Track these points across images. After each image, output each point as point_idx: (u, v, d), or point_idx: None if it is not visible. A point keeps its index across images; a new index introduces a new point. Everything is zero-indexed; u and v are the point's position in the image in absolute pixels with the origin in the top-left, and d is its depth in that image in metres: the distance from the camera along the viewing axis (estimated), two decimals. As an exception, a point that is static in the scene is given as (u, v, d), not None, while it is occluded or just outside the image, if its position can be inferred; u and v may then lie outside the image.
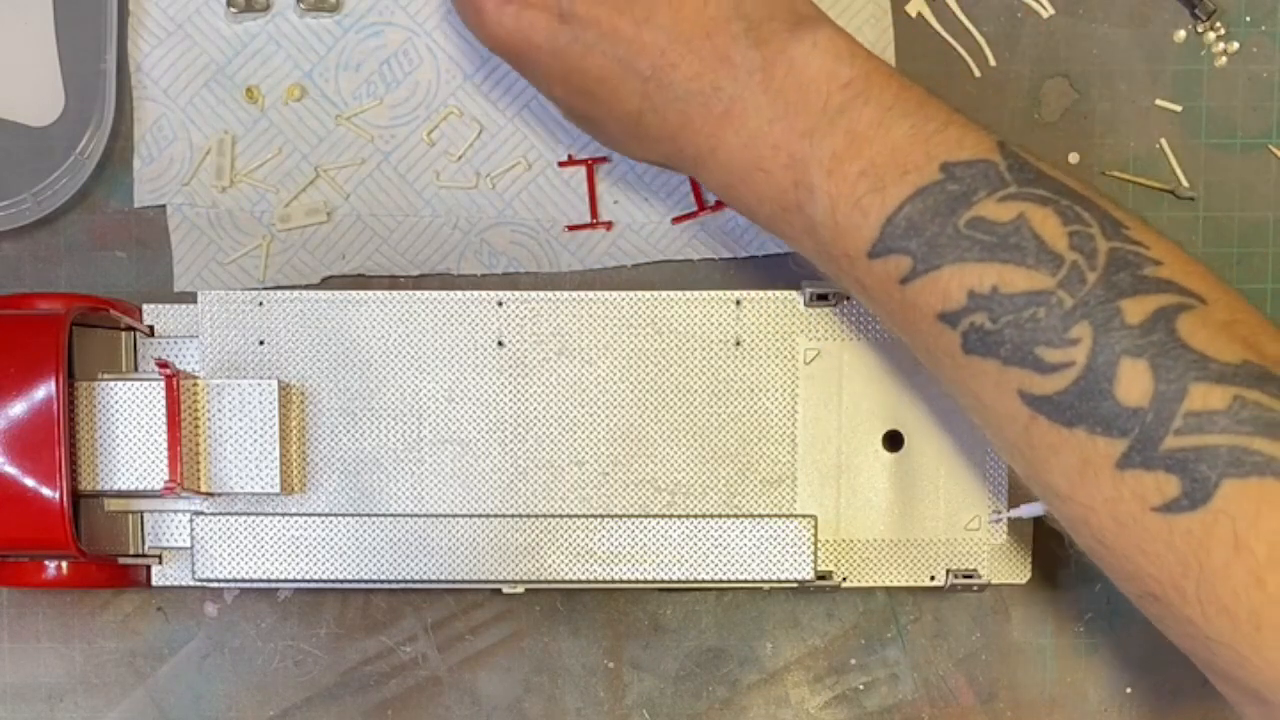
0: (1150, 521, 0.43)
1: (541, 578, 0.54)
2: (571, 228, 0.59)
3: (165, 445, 0.53)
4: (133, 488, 0.54)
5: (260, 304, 0.55)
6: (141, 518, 0.56)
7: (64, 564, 0.54)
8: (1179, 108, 0.58)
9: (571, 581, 0.55)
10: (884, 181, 0.46)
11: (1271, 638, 0.42)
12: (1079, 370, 0.44)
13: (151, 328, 0.56)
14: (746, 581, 0.54)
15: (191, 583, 0.56)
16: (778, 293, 0.55)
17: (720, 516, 0.55)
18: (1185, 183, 0.59)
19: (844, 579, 0.56)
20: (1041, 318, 0.44)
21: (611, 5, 0.49)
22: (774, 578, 0.54)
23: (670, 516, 0.55)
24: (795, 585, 0.55)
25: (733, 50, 0.48)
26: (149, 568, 0.56)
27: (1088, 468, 0.44)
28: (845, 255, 0.47)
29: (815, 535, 0.54)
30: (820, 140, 0.47)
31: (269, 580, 0.55)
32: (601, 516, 0.55)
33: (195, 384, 0.54)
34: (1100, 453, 0.44)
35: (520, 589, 0.55)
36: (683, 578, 0.54)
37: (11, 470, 0.51)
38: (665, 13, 0.49)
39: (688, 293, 0.55)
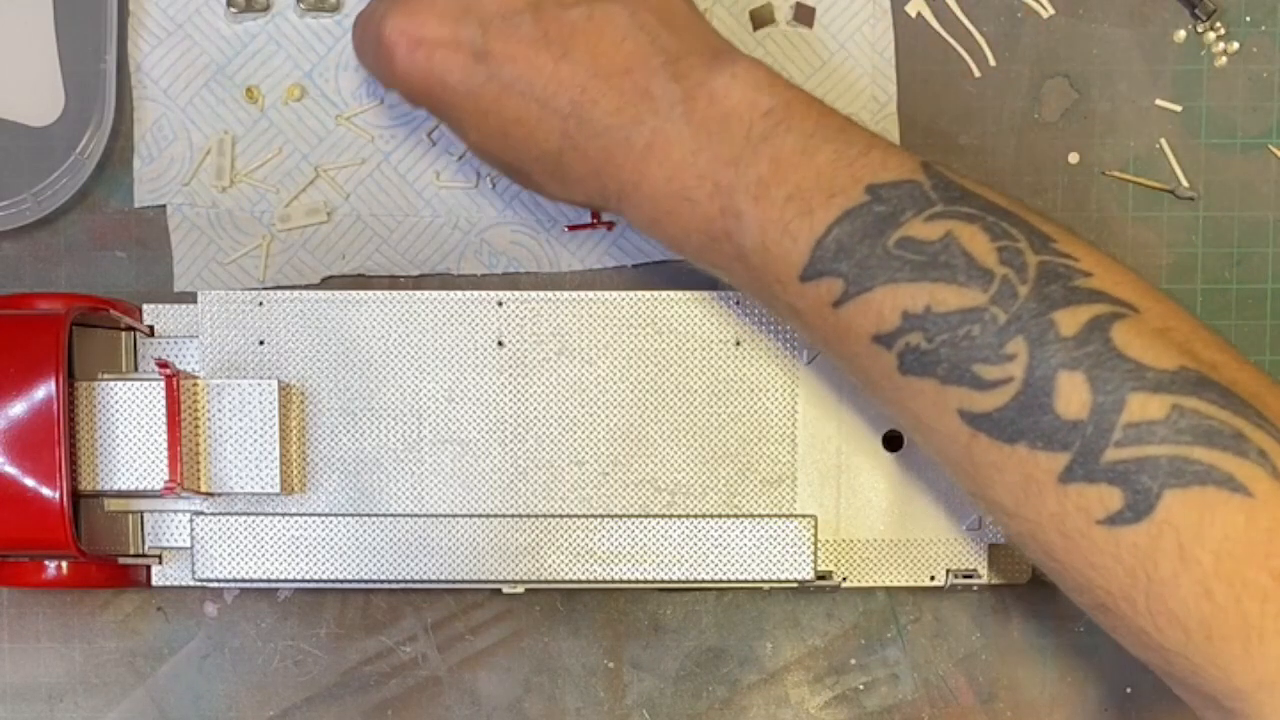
0: (1096, 535, 0.43)
1: (541, 578, 0.54)
2: (571, 228, 0.59)
3: (165, 445, 0.53)
4: (133, 488, 0.54)
5: (260, 304, 0.55)
6: (141, 518, 0.56)
7: (64, 564, 0.54)
8: (1179, 108, 0.58)
9: (571, 581, 0.55)
10: (811, 205, 0.46)
11: (1223, 647, 0.42)
12: (1017, 386, 0.44)
13: (151, 328, 0.56)
14: (746, 581, 0.54)
15: (191, 583, 0.56)
16: (778, 293, 0.55)
17: (720, 516, 0.55)
18: (1185, 183, 0.59)
19: (844, 579, 0.56)
20: (976, 335, 0.44)
21: (528, 42, 0.49)
22: (774, 578, 0.54)
23: (670, 516, 0.55)
24: (795, 585, 0.55)
25: (653, 85, 0.48)
26: (149, 568, 0.56)
27: (1031, 484, 0.44)
28: (777, 280, 0.47)
29: (815, 535, 0.54)
30: (745, 168, 0.47)
31: (269, 580, 0.55)
32: (601, 516, 0.55)
33: (195, 384, 0.54)
34: (1042, 468, 0.44)
35: (520, 589, 0.55)
36: (683, 578, 0.54)
37: (11, 470, 0.51)
38: (582, 49, 0.48)
39: (688, 293, 0.55)
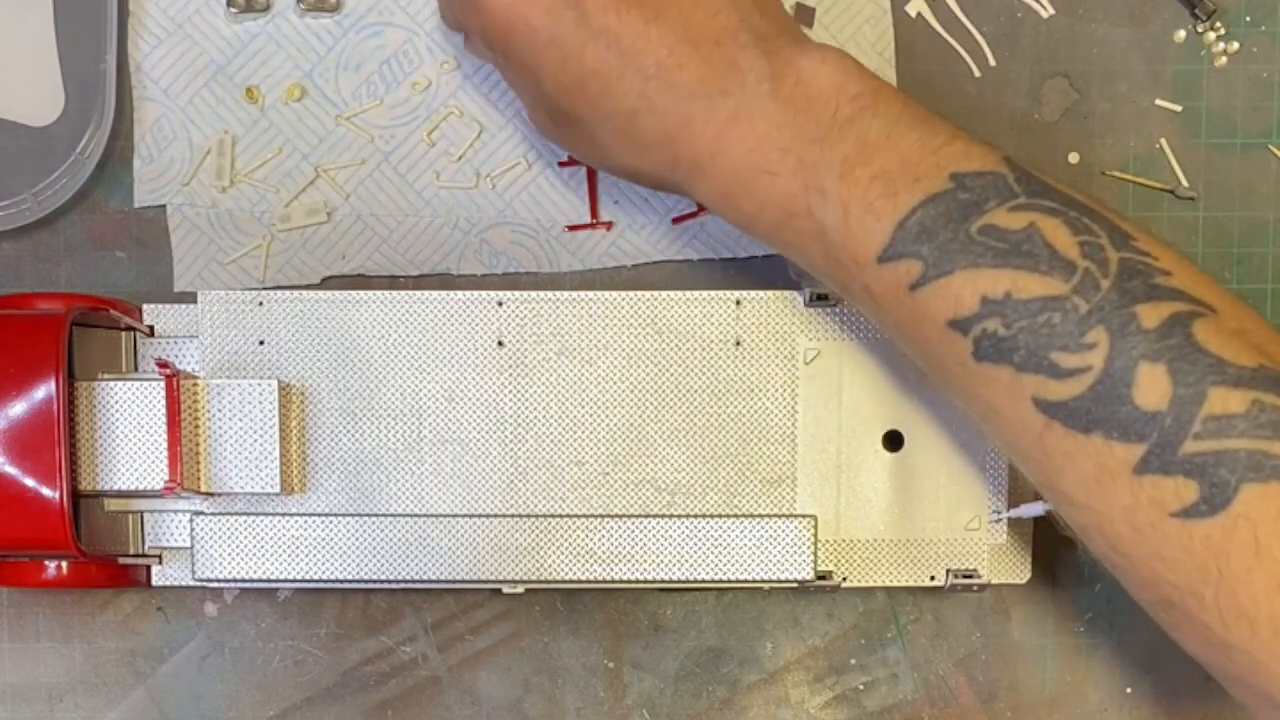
0: (1169, 528, 0.43)
1: (541, 578, 0.54)
2: (571, 228, 0.59)
3: (165, 445, 0.53)
4: (133, 488, 0.54)
5: (260, 304, 0.55)
6: (141, 518, 0.56)
7: (64, 564, 0.54)
8: (1179, 108, 0.58)
9: (571, 581, 0.55)
10: (895, 187, 0.46)
11: None
12: (1096, 375, 0.44)
13: (151, 328, 0.56)
14: (746, 581, 0.54)
15: (191, 583, 0.56)
16: (778, 293, 0.55)
17: (720, 516, 0.55)
18: (1185, 183, 0.59)
19: (844, 579, 0.56)
20: (1056, 323, 0.44)
21: (619, 1, 0.48)
22: (774, 578, 0.54)
23: (670, 516, 0.55)
24: (795, 585, 0.55)
25: (741, 58, 0.48)
26: (149, 568, 0.56)
27: (1104, 474, 0.44)
28: (854, 260, 0.47)
29: (815, 535, 0.54)
30: (831, 146, 0.47)
31: (269, 580, 0.55)
32: (601, 516, 0.55)
33: (195, 384, 0.54)
34: (1117, 458, 0.44)
35: (520, 589, 0.55)
36: (683, 578, 0.54)
37: (11, 470, 0.51)
38: (675, 14, 0.48)
39: (688, 293, 0.55)
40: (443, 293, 0.55)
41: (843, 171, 0.47)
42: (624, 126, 0.50)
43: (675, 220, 0.59)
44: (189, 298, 0.56)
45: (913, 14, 0.58)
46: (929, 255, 0.45)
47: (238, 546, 0.54)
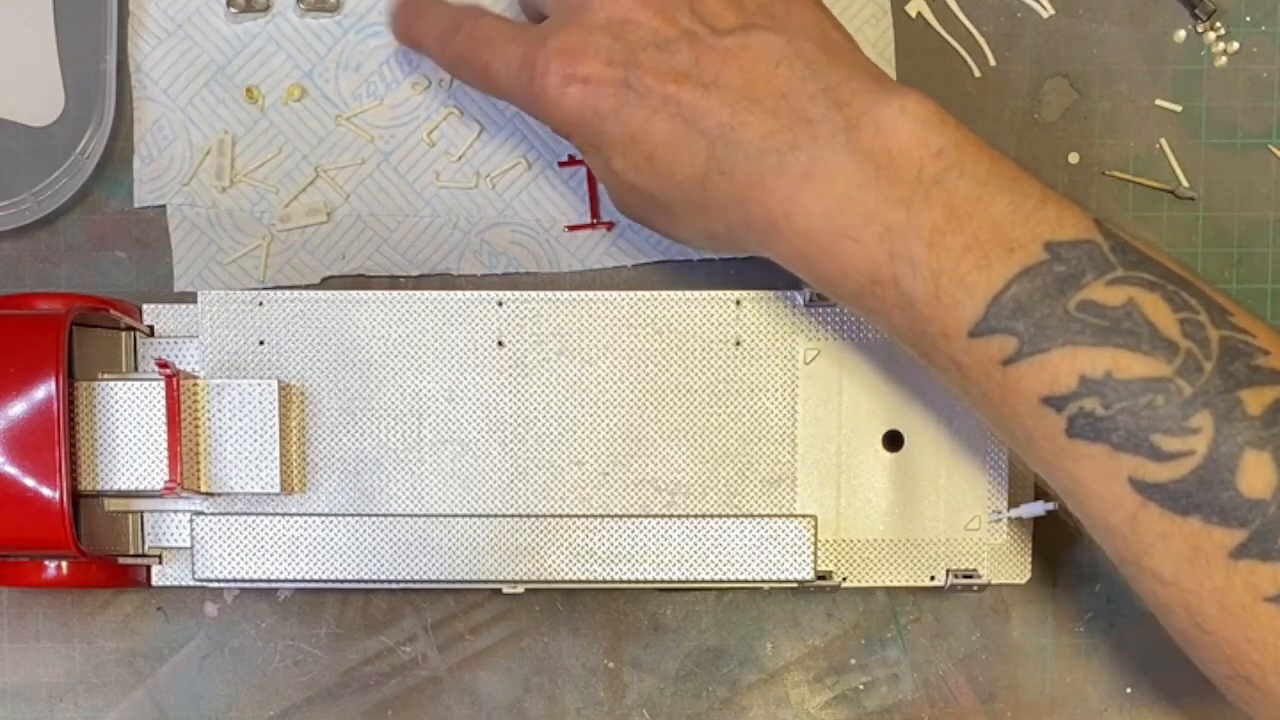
0: (1260, 610, 0.43)
1: (541, 578, 0.54)
2: (571, 228, 0.59)
3: (165, 445, 0.53)
4: (133, 488, 0.54)
5: (260, 304, 0.55)
6: (141, 518, 0.56)
7: (64, 564, 0.54)
8: (1179, 108, 0.58)
9: (571, 581, 0.55)
10: (989, 258, 0.44)
11: None
12: (1199, 460, 0.43)
13: (151, 328, 0.56)
14: (746, 581, 0.54)
15: (191, 583, 0.56)
16: (778, 293, 0.55)
17: (720, 516, 0.55)
18: (1185, 183, 0.59)
19: (844, 579, 0.56)
20: (1159, 405, 0.43)
21: (680, 67, 0.47)
22: (774, 578, 0.54)
23: (670, 516, 0.55)
24: (795, 585, 0.55)
25: (811, 110, 0.46)
26: (149, 568, 0.56)
27: (1198, 555, 0.44)
28: (943, 333, 0.46)
29: (815, 535, 0.54)
30: (918, 211, 0.45)
31: (269, 580, 0.55)
32: (601, 516, 0.55)
33: (195, 384, 0.54)
34: (1215, 542, 0.43)
35: (520, 589, 0.55)
36: (683, 578, 0.54)
37: (11, 470, 0.51)
38: (735, 73, 0.47)
39: (688, 293, 0.55)
40: (443, 293, 0.55)
41: (932, 240, 0.45)
42: (695, 193, 0.49)
43: (675, 220, 0.59)
44: (189, 298, 0.56)
45: (913, 14, 0.58)
46: (1024, 331, 0.44)
47: (238, 546, 0.54)
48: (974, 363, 0.46)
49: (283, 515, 0.54)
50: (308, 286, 0.58)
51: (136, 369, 0.56)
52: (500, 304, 0.55)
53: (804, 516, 0.55)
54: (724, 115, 0.47)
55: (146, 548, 0.56)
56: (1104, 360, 0.44)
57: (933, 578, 0.56)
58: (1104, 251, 0.45)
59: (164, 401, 0.53)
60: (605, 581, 0.55)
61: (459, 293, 0.55)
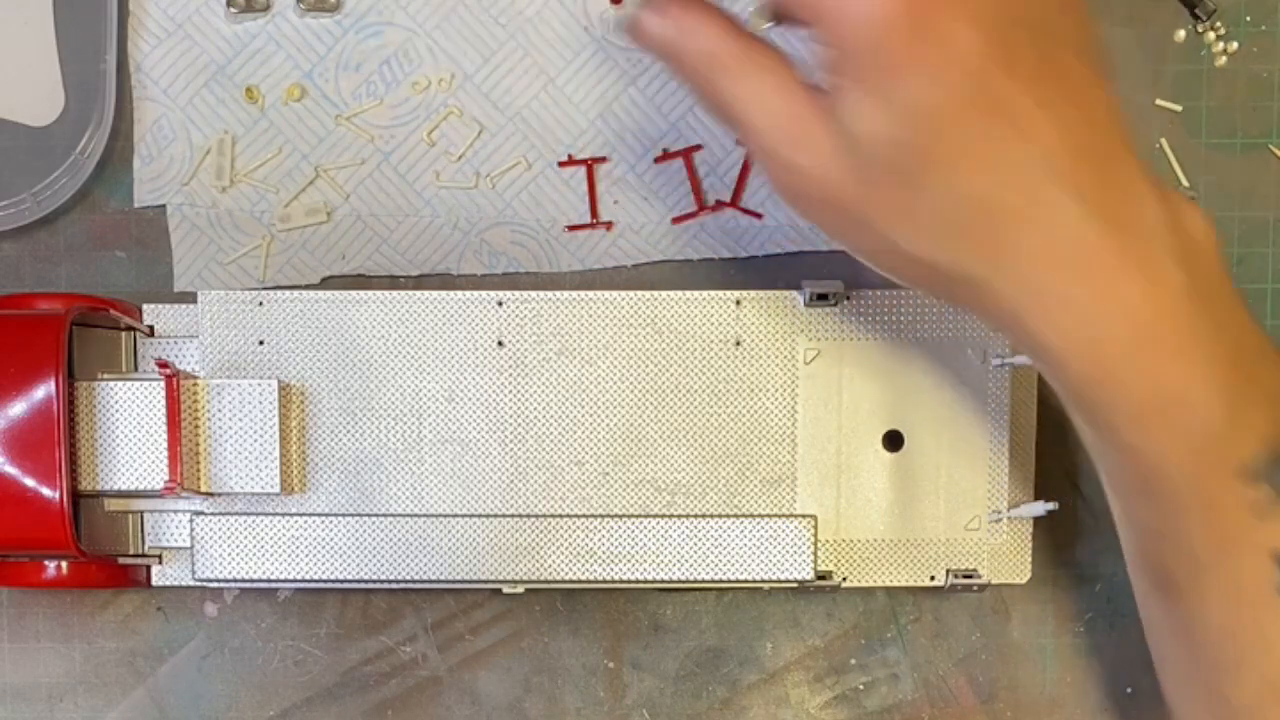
0: None
1: (541, 578, 0.54)
2: (571, 228, 0.59)
3: (165, 445, 0.53)
4: (133, 488, 0.54)
5: (260, 304, 0.55)
6: (141, 518, 0.56)
7: (64, 564, 0.54)
8: (1179, 108, 0.58)
9: (571, 581, 0.55)
10: (1274, 403, 0.43)
11: None
12: None
13: (151, 328, 0.56)
14: (746, 581, 0.54)
15: (191, 583, 0.56)
16: (778, 293, 0.55)
17: (720, 516, 0.55)
18: (1185, 183, 0.59)
19: (844, 579, 0.56)
20: None
21: None
22: (774, 578, 0.54)
23: (670, 516, 0.55)
24: (795, 585, 0.55)
25: (1137, 186, 0.43)
26: (149, 568, 0.56)
27: None
28: (1212, 466, 0.43)
29: (815, 535, 0.54)
30: (1224, 332, 0.43)
31: (269, 580, 0.55)
32: (601, 516, 0.55)
33: (195, 384, 0.54)
34: None
35: (520, 589, 0.55)
36: (683, 578, 0.54)
37: (11, 470, 0.51)
38: (1063, 102, 0.43)
39: (688, 293, 0.55)
40: (443, 293, 0.55)
41: (1234, 366, 0.42)
42: (960, 297, 0.44)
43: (675, 220, 0.59)
44: (189, 298, 0.56)
45: (913, 14, 0.58)
46: None
47: (238, 546, 0.54)
48: (1227, 503, 0.44)
49: (283, 515, 0.54)
50: (308, 286, 0.58)
51: (136, 369, 0.56)
52: (500, 304, 0.55)
53: (804, 516, 0.55)
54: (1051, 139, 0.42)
55: (146, 548, 0.56)
56: None
57: (933, 578, 0.56)
58: None
59: (164, 401, 0.53)
60: (605, 581, 0.55)
61: (459, 293, 0.55)
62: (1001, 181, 0.41)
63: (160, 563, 0.56)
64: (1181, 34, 0.58)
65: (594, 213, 0.58)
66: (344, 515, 0.55)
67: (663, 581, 0.55)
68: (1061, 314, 0.42)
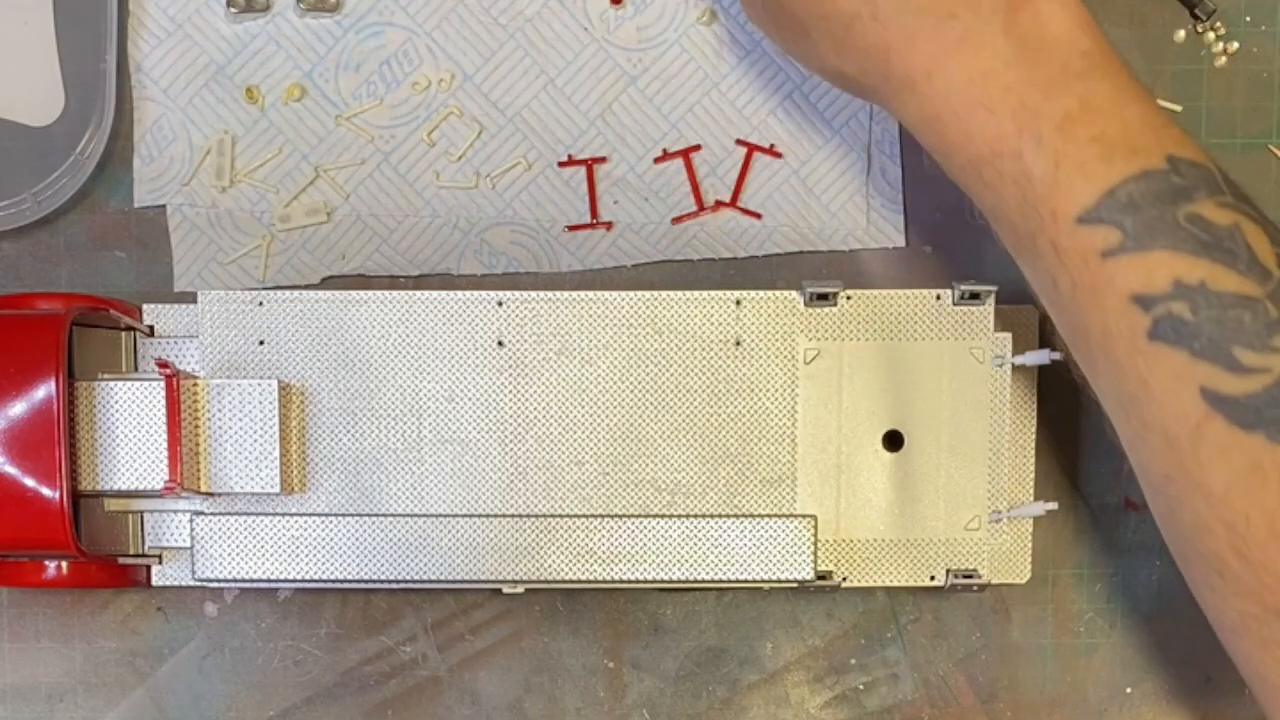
0: None
1: (541, 578, 0.54)
2: (571, 228, 0.59)
3: (165, 445, 0.53)
4: (133, 488, 0.54)
5: (260, 304, 0.55)
6: (141, 518, 0.56)
7: (64, 564, 0.54)
8: (1179, 108, 0.58)
9: (571, 581, 0.55)
10: (1113, 154, 0.46)
11: None
12: (1274, 377, 0.44)
13: (151, 328, 0.56)
14: (746, 581, 0.54)
15: (191, 583, 0.56)
16: (778, 293, 0.55)
17: (720, 516, 0.55)
18: (1185, 183, 0.58)
19: (844, 579, 0.56)
20: (1246, 321, 0.45)
21: None
22: (774, 578, 0.54)
23: (670, 516, 0.55)
24: (795, 585, 0.55)
25: None
26: (149, 568, 0.56)
27: (1256, 473, 0.45)
28: (1052, 214, 0.47)
29: (815, 535, 0.54)
30: (1056, 97, 0.47)
31: (269, 580, 0.55)
32: (601, 516, 0.55)
33: (195, 384, 0.54)
34: (1275, 461, 0.44)
35: (520, 589, 0.55)
36: (683, 578, 0.54)
37: (11, 470, 0.51)
38: None
39: (688, 293, 0.55)
40: (443, 293, 0.55)
41: (1063, 125, 0.46)
42: (839, 30, 0.50)
43: (675, 220, 0.59)
44: (189, 298, 0.56)
45: (913, 14, 0.58)
46: (1131, 228, 0.46)
47: (238, 546, 0.54)
48: (1074, 248, 0.47)
49: (283, 515, 0.54)
50: (308, 286, 0.58)
51: (136, 369, 0.56)
52: (500, 304, 0.55)
53: (804, 516, 0.55)
54: None
55: (146, 548, 0.56)
56: (1200, 270, 0.45)
57: (933, 578, 0.56)
58: (1218, 179, 0.46)
59: (164, 401, 0.53)
60: (605, 581, 0.55)
61: (459, 293, 0.55)
62: None
63: (160, 563, 0.56)
64: (1181, 34, 0.58)
65: (594, 213, 0.58)
66: (344, 515, 0.55)
67: (663, 581, 0.55)
68: (922, 63, 0.48)
